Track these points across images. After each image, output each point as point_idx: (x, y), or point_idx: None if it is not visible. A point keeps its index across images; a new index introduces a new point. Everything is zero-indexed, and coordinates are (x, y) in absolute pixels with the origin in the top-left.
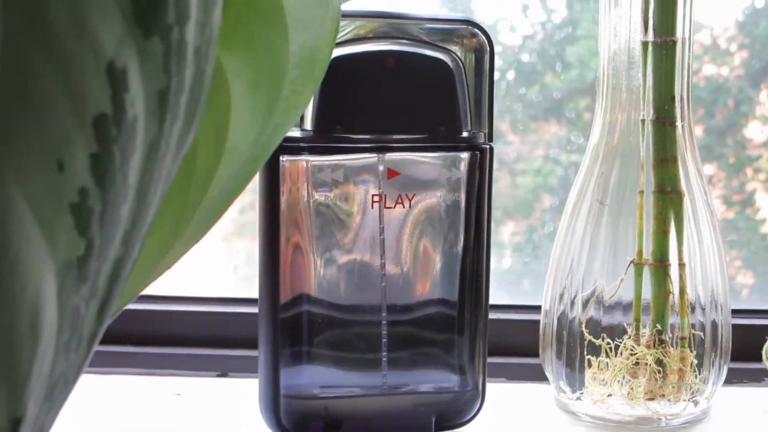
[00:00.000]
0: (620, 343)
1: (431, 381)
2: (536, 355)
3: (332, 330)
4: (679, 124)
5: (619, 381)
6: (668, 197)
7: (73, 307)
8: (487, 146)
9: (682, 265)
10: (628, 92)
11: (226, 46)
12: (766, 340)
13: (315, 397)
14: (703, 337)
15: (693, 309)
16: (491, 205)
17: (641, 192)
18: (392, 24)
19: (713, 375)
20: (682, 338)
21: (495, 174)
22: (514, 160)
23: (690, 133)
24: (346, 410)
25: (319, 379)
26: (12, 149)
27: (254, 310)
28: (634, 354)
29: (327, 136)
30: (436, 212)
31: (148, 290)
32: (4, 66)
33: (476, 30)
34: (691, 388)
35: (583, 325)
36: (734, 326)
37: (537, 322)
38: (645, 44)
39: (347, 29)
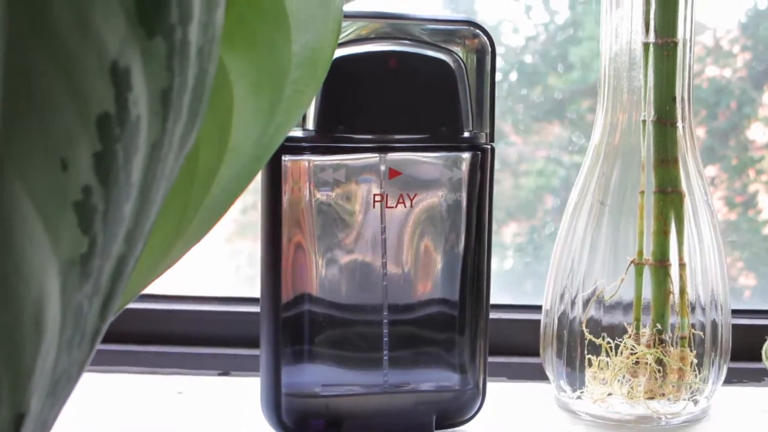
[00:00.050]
0: (620, 342)
1: (432, 380)
2: (537, 354)
3: (333, 329)
4: (679, 124)
5: (619, 380)
6: (669, 197)
7: (76, 304)
8: (489, 146)
9: (682, 265)
10: (629, 93)
11: (229, 46)
12: (765, 340)
13: (316, 396)
14: (703, 336)
15: (693, 309)
16: (492, 205)
17: (642, 192)
18: (394, 25)
19: (713, 374)
20: (682, 338)
21: (497, 175)
22: (516, 161)
23: (691, 133)
24: (347, 408)
25: (320, 378)
26: (16, 148)
27: (256, 309)
28: (635, 353)
29: (329, 136)
30: (437, 212)
31: (151, 289)
32: (8, 66)
33: (478, 31)
34: (690, 388)
35: (584, 325)
36: (734, 326)
37: (538, 321)
38: (646, 45)
39: (349, 30)
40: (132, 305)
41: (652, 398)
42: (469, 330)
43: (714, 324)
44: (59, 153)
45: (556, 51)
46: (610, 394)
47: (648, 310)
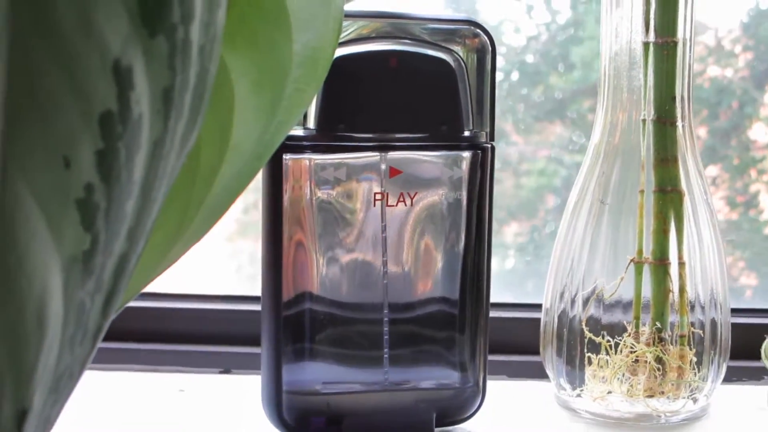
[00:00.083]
0: (620, 340)
1: (432, 378)
2: (537, 352)
3: (334, 327)
4: (679, 124)
5: (618, 378)
6: (668, 196)
7: (78, 301)
8: (489, 145)
9: (681, 264)
10: (629, 92)
11: (230, 45)
12: (765, 339)
13: (317, 393)
14: (702, 335)
15: (693, 307)
16: (492, 203)
17: (642, 191)
18: (395, 24)
19: (712, 373)
20: (682, 336)
21: (499, 174)
22: (518, 160)
23: (690, 133)
24: (348, 406)
25: (321, 376)
26: (19, 146)
27: (257, 307)
28: (634, 352)
29: (330, 135)
30: (437, 210)
31: (153, 288)
32: (12, 65)
33: (478, 30)
34: (690, 386)
35: (584, 323)
36: (734, 325)
37: (538, 320)
38: (646, 45)
39: (350, 29)
40: (134, 303)
41: (651, 396)
42: (469, 328)
43: (713, 322)
44: (62, 151)
45: (557, 51)
46: (609, 392)
47: (647, 309)
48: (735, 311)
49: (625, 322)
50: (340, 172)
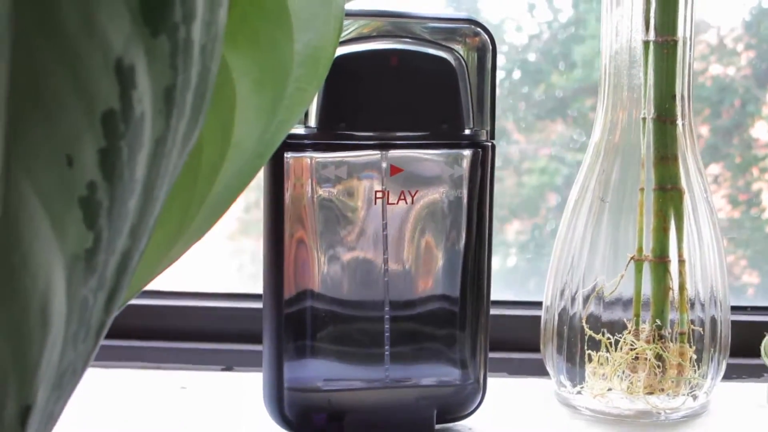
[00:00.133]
0: (620, 338)
1: (433, 375)
2: (537, 350)
3: (335, 325)
4: (679, 122)
5: (618, 375)
6: (668, 194)
7: (81, 298)
8: (489, 143)
9: (681, 262)
10: (629, 91)
11: (232, 44)
12: (765, 336)
13: (318, 390)
14: (702, 332)
15: (692, 305)
16: (493, 201)
17: (642, 189)
18: (395, 23)
19: (712, 370)
20: (682, 333)
21: (501, 173)
22: (519, 159)
23: (690, 131)
24: (349, 403)
25: (322, 373)
26: (23, 145)
27: (259, 305)
28: (634, 349)
29: (331, 133)
30: (438, 208)
31: (155, 286)
32: (15, 65)
33: (479, 29)
34: (690, 383)
35: (584, 321)
36: (734, 322)
37: (538, 317)
38: (646, 43)
39: (351, 28)
40: (137, 301)
41: (651, 393)
42: (469, 326)
43: (713, 320)
44: (65, 150)
45: (559, 49)
46: (609, 390)
47: (648, 307)
48: (736, 309)
49: (625, 320)
50: (341, 171)
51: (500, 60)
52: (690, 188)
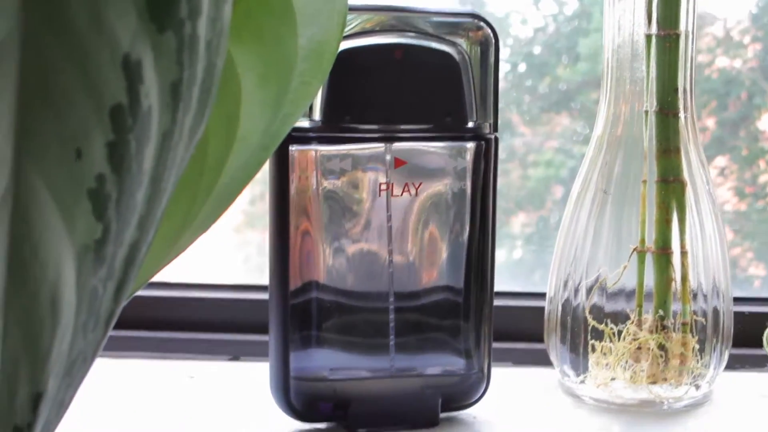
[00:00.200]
0: (623, 328)
1: (438, 364)
2: (541, 340)
3: (341, 315)
4: (682, 115)
5: (622, 365)
6: (671, 186)
7: (90, 288)
8: (492, 136)
9: (684, 253)
10: (631, 84)
11: (237, 39)
12: (767, 327)
13: (324, 379)
14: (704, 323)
15: (695, 296)
16: (496, 193)
17: (644, 181)
18: (399, 17)
19: (714, 360)
20: (684, 324)
21: (506, 165)
22: (525, 152)
23: (693, 124)
24: (355, 392)
25: (328, 362)
26: (33, 139)
27: (265, 296)
28: (637, 339)
29: (335, 126)
30: (442, 200)
31: (163, 277)
32: (25, 61)
33: (482, 23)
34: (692, 373)
35: (587, 311)
36: (738, 313)
37: (542, 308)
38: (648, 37)
39: (355, 23)
40: (145, 293)
41: (654, 383)
42: (474, 316)
43: (715, 311)
44: (74, 143)
45: (564, 42)
46: (613, 379)
47: (650, 297)
48: (740, 300)
49: (628, 310)
50: (346, 163)
51: (505, 53)
52: (692, 180)
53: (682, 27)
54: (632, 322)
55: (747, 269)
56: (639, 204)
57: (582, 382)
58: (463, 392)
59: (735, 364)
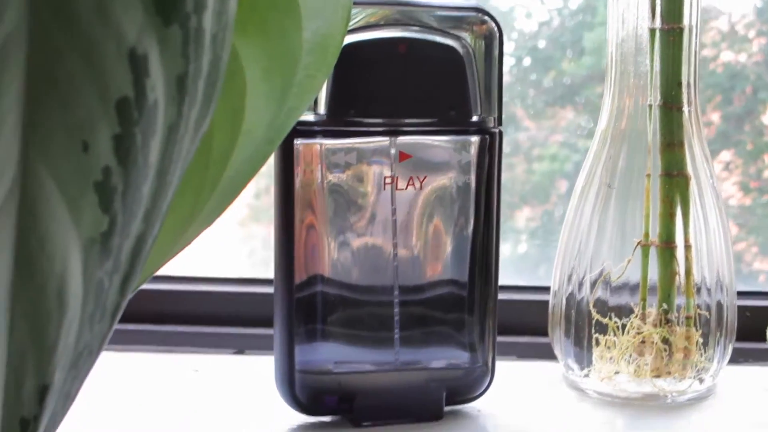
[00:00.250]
0: (627, 322)
1: (442, 358)
2: (545, 334)
3: (346, 309)
4: (686, 109)
5: (626, 359)
6: (675, 180)
7: (97, 280)
8: (497, 130)
9: (688, 247)
10: (635, 78)
11: (242, 33)
12: None
13: (329, 373)
14: (708, 317)
15: (699, 290)
16: (501, 187)
17: (648, 175)
18: (403, 11)
19: (718, 354)
20: (688, 318)
21: (511, 159)
22: (530, 146)
23: (697, 118)
24: (360, 385)
25: (333, 356)
26: (40, 132)
27: (270, 290)
28: (641, 333)
29: (340, 120)
30: (446, 194)
31: (168, 271)
32: (32, 54)
33: (486, 17)
34: (696, 366)
35: (591, 305)
36: (743, 307)
37: (546, 302)
38: (652, 31)
39: (359, 16)
40: (150, 286)
41: (658, 376)
42: (478, 310)
43: (719, 305)
44: (81, 136)
45: (569, 36)
46: (617, 373)
47: (654, 291)
48: (745, 294)
49: (632, 304)
50: (351, 157)
51: (510, 47)
52: (696, 174)
53: (685, 21)
54: (636, 316)
55: (752, 264)
56: (643, 198)
57: (586, 375)
58: (467, 386)
59: (739, 358)
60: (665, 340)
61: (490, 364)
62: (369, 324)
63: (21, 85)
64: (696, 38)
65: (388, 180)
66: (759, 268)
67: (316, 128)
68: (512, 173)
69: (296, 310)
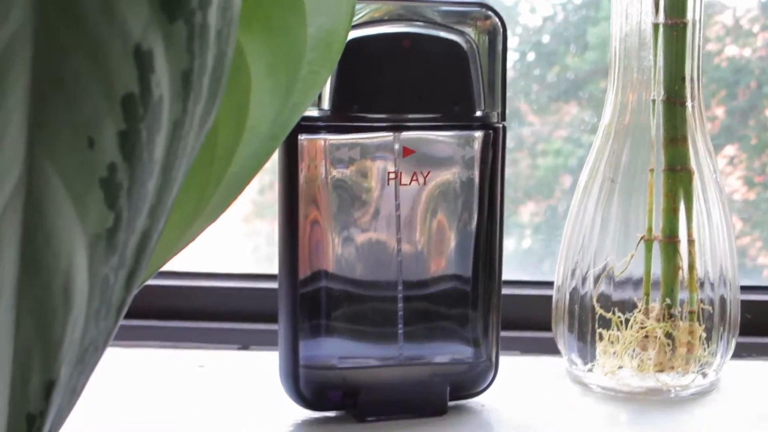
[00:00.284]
0: (631, 317)
1: (446, 353)
2: (549, 329)
3: (350, 304)
4: (689, 103)
5: (629, 353)
6: (678, 175)
7: (102, 276)
8: (500, 125)
9: (691, 242)
10: (639, 73)
11: (246, 29)
12: None
13: (333, 368)
14: (711, 311)
15: (702, 284)
16: (504, 182)
17: (652, 170)
18: (407, 7)
19: (721, 348)
20: (691, 312)
21: (515, 155)
22: (534, 141)
23: (700, 112)
24: (364, 380)
25: (337, 351)
26: (45, 128)
27: (274, 285)
28: (644, 327)
29: (344, 116)
30: (450, 189)
31: (173, 267)
32: (37, 51)
33: (489, 12)
34: (699, 361)
35: (595, 300)
36: (746, 302)
37: (550, 297)
38: (656, 26)
39: (363, 12)
40: (155, 282)
41: (661, 371)
42: (482, 305)
43: (722, 299)
44: (86, 132)
45: (573, 31)
46: (620, 367)
47: (657, 286)
48: (748, 288)
49: (635, 299)
50: (355, 152)
51: (514, 42)
52: (699, 169)
53: (689, 16)
54: (639, 311)
55: (756, 258)
56: (646, 193)
57: (589, 370)
58: (471, 381)
59: (742, 352)
60: (668, 335)
61: (493, 358)
62: (373, 319)
63: (27, 84)
64: (699, 33)
65: (392, 175)
66: (763, 262)
67: (320, 124)
68: (516, 168)
69: (300, 305)
